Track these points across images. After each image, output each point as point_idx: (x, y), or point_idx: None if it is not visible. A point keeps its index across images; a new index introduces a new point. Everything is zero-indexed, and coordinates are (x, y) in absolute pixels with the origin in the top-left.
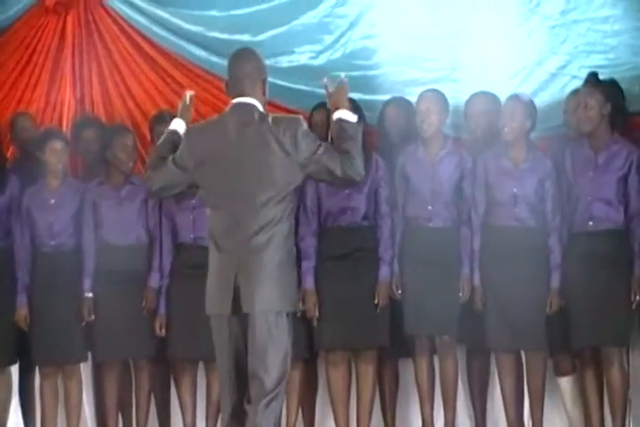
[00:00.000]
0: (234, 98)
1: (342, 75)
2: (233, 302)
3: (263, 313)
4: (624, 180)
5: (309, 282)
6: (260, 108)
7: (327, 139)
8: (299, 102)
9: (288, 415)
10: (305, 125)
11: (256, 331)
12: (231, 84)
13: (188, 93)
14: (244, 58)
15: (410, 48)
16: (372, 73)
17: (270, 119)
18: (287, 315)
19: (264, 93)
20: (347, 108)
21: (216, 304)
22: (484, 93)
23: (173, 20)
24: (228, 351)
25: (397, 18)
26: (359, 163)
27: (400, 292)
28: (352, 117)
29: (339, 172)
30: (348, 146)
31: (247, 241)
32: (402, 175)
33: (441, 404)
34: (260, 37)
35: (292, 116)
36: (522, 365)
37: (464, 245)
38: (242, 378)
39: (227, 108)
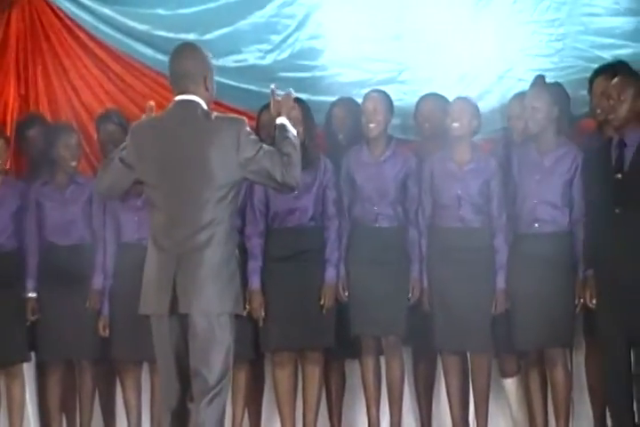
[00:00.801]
0: (177, 95)
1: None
2: (171, 302)
3: (202, 314)
4: (569, 183)
5: (255, 282)
6: (204, 105)
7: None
8: (246, 102)
9: (234, 416)
10: (247, 127)
11: (196, 331)
12: (173, 82)
13: (150, 104)
14: (184, 55)
15: (357, 49)
16: (319, 74)
17: (213, 118)
18: (229, 315)
19: (207, 90)
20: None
21: (154, 304)
22: (434, 95)
23: (119, 18)
24: (168, 351)
25: (345, 19)
26: (297, 171)
27: (347, 293)
28: (293, 129)
29: (278, 175)
30: (288, 150)
31: (187, 240)
32: (347, 176)
33: (387, 405)
34: (207, 37)
35: (236, 116)
36: (467, 366)
37: (412, 247)
38: (183, 378)
39: (169, 106)
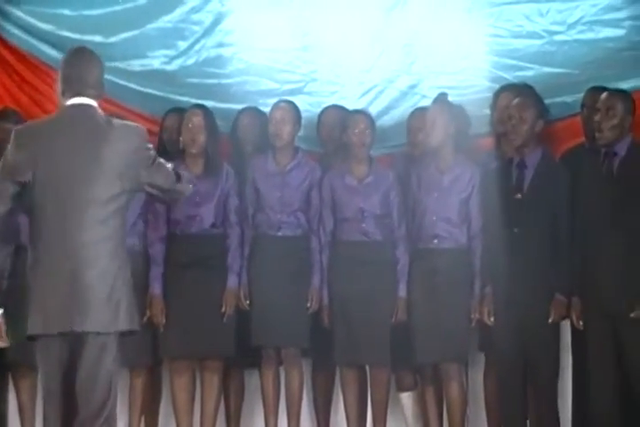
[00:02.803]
0: (70, 98)
1: None
2: (61, 321)
3: (94, 333)
4: (467, 201)
5: (157, 288)
6: (99, 109)
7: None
8: (150, 107)
9: (130, 424)
10: (144, 135)
11: (87, 351)
12: (68, 84)
13: None
14: (85, 57)
15: (265, 59)
16: (225, 81)
17: (110, 123)
18: (121, 333)
19: (100, 95)
20: None
21: (42, 324)
22: (337, 107)
23: (24, 17)
24: (55, 373)
25: (253, 28)
26: (186, 186)
27: (248, 302)
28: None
29: (167, 186)
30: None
31: (75, 255)
32: (252, 185)
33: (285, 415)
34: (113, 39)
35: (133, 124)
36: (366, 379)
37: (313, 257)
38: (69, 401)
39: (63, 109)
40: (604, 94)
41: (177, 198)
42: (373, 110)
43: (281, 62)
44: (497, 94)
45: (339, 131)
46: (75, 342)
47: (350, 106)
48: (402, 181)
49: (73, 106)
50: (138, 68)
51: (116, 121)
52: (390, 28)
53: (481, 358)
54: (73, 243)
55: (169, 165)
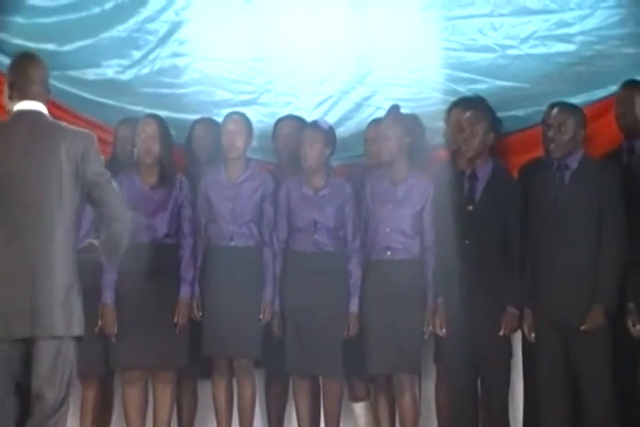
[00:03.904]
0: (18, 101)
1: None
2: (17, 325)
3: (49, 338)
4: (420, 213)
5: (109, 298)
6: (47, 113)
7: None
8: (104, 116)
9: None
10: (93, 140)
11: (42, 355)
12: (14, 88)
13: None
14: (34, 62)
15: (219, 69)
16: (180, 91)
17: (60, 127)
18: (76, 338)
19: (47, 98)
20: None
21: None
22: (293, 118)
23: None
24: (6, 377)
25: (208, 38)
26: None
27: (200, 313)
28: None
29: (114, 203)
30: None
31: (30, 260)
32: (204, 196)
33: (238, 425)
34: (67, 48)
35: (85, 131)
36: (319, 389)
37: (266, 268)
38: (19, 404)
39: (12, 114)
40: (555, 110)
41: (119, 219)
42: (328, 121)
43: (235, 73)
44: (449, 110)
45: (295, 141)
46: (28, 347)
47: (305, 117)
48: (358, 192)
49: (21, 110)
50: (92, 77)
51: (65, 125)
52: (345, 39)
53: (433, 368)
54: (27, 247)
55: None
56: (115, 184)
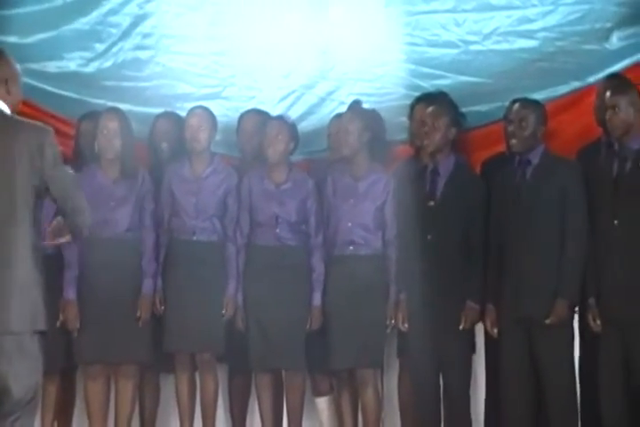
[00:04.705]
0: None
1: None
2: None
3: (11, 334)
4: (382, 208)
5: (71, 293)
6: (7, 109)
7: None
8: (66, 110)
9: None
10: (51, 135)
11: (3, 352)
12: None
13: None
14: None
15: (183, 62)
16: (142, 85)
17: (17, 121)
18: (41, 333)
19: (9, 94)
20: None
21: None
22: (257, 112)
23: None
24: None
25: (171, 32)
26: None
27: (163, 307)
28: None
29: (72, 196)
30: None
31: None
32: (167, 190)
33: (200, 420)
34: (28, 40)
35: (41, 124)
36: (281, 384)
37: (229, 263)
38: None
39: None
40: (516, 106)
41: (76, 225)
42: (292, 116)
43: (199, 66)
44: (412, 106)
45: (258, 136)
46: None
47: (268, 111)
48: (320, 187)
49: None
50: (54, 70)
51: (20, 119)
52: (309, 34)
53: (396, 362)
54: None
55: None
56: (73, 177)
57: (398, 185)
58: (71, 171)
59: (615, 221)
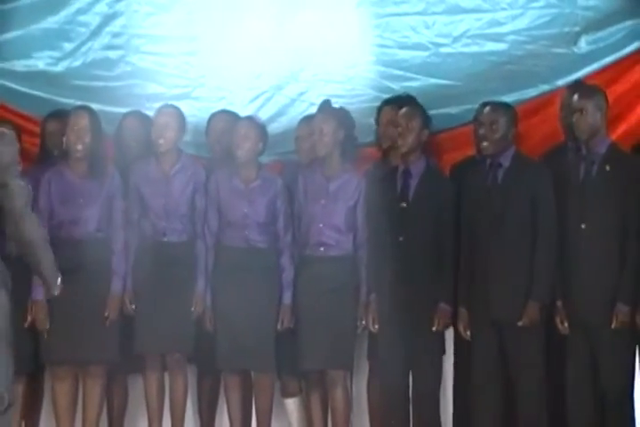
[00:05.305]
0: None
1: None
2: None
3: None
4: (353, 209)
5: (40, 293)
6: None
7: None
8: (34, 109)
9: None
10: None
11: None
12: None
13: None
14: None
15: (153, 62)
16: (113, 84)
17: None
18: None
19: None
20: None
21: None
22: (226, 112)
23: None
24: None
25: (141, 31)
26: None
27: (133, 307)
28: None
29: (18, 210)
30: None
31: None
32: (135, 190)
33: (169, 421)
34: None
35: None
36: (250, 384)
37: (198, 262)
38: None
39: None
40: (487, 108)
41: (21, 236)
42: (262, 117)
43: (169, 66)
44: (380, 109)
45: (228, 136)
46: None
47: (238, 112)
48: (290, 188)
49: None
50: (22, 69)
51: None
52: (279, 35)
53: (366, 364)
54: None
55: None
56: (25, 192)
57: (370, 187)
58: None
59: (582, 225)
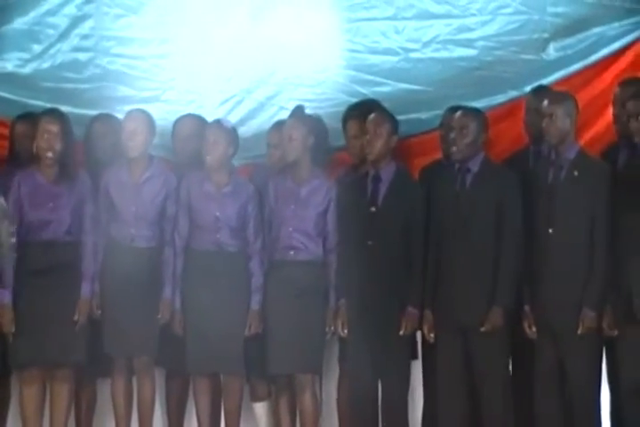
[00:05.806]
0: None
1: None
2: None
3: None
4: (324, 214)
5: (7, 297)
6: None
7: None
8: (3, 111)
9: None
10: None
11: None
12: None
13: None
14: None
15: (122, 65)
16: (82, 86)
17: None
18: None
19: None
20: None
21: None
22: (192, 116)
23: None
24: None
25: (111, 33)
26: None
27: (100, 311)
28: None
29: None
30: None
31: None
32: (105, 195)
33: (137, 424)
34: None
35: None
36: (219, 388)
37: (165, 267)
38: None
39: None
40: (458, 113)
41: None
42: (232, 120)
43: (139, 69)
44: (344, 121)
45: (193, 140)
46: None
47: (208, 115)
48: (261, 192)
49: None
50: None
51: None
52: (250, 38)
53: (335, 368)
54: None
55: None
56: None
57: (340, 192)
58: None
59: (550, 230)
